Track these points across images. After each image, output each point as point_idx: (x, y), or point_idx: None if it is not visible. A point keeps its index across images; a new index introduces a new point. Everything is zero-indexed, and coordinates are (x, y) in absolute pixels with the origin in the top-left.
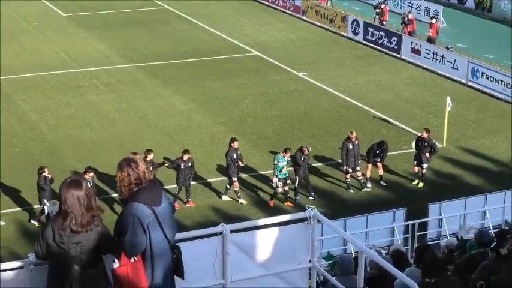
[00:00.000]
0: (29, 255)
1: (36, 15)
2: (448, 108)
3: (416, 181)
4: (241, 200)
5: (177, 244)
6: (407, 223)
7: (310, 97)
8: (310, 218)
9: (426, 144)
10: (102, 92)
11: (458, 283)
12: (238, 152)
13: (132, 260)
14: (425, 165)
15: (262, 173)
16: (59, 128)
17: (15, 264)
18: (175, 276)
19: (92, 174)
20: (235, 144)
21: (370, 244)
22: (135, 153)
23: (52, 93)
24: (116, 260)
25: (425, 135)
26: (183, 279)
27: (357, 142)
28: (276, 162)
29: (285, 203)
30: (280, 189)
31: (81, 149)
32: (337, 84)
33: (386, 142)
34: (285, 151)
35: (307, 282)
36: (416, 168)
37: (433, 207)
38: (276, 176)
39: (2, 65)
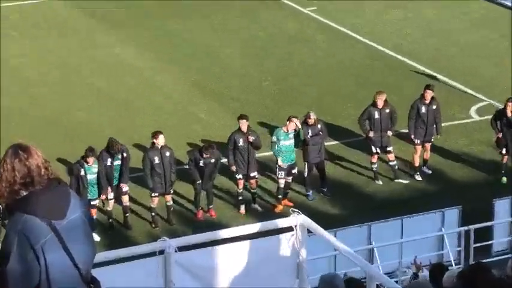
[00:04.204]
0: None
1: None
2: None
3: (505, 178)
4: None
5: (95, 275)
6: (459, 229)
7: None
8: (296, 227)
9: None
10: None
11: None
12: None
13: None
14: None
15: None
16: None
17: None
18: None
19: None
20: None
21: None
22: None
23: None
24: None
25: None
26: None
27: (387, 110)
28: (275, 139)
29: (283, 202)
30: (282, 182)
31: None
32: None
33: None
34: (289, 119)
35: None
36: (505, 158)
37: (500, 205)
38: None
39: None
